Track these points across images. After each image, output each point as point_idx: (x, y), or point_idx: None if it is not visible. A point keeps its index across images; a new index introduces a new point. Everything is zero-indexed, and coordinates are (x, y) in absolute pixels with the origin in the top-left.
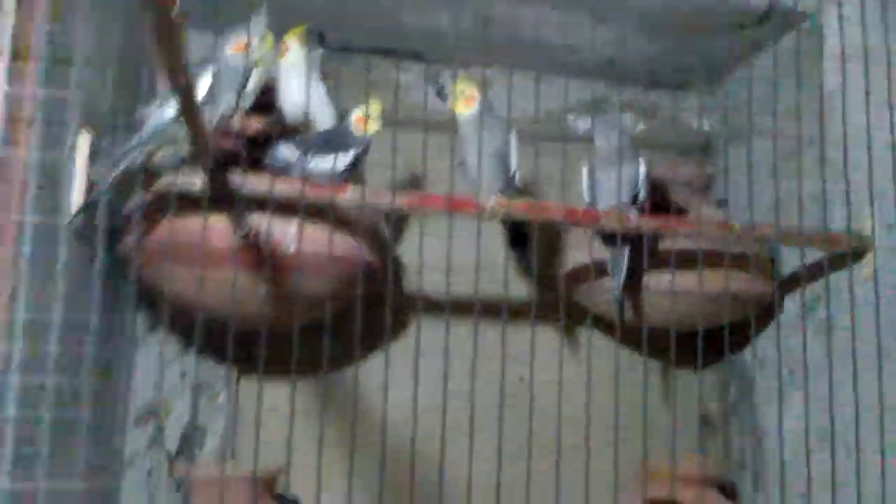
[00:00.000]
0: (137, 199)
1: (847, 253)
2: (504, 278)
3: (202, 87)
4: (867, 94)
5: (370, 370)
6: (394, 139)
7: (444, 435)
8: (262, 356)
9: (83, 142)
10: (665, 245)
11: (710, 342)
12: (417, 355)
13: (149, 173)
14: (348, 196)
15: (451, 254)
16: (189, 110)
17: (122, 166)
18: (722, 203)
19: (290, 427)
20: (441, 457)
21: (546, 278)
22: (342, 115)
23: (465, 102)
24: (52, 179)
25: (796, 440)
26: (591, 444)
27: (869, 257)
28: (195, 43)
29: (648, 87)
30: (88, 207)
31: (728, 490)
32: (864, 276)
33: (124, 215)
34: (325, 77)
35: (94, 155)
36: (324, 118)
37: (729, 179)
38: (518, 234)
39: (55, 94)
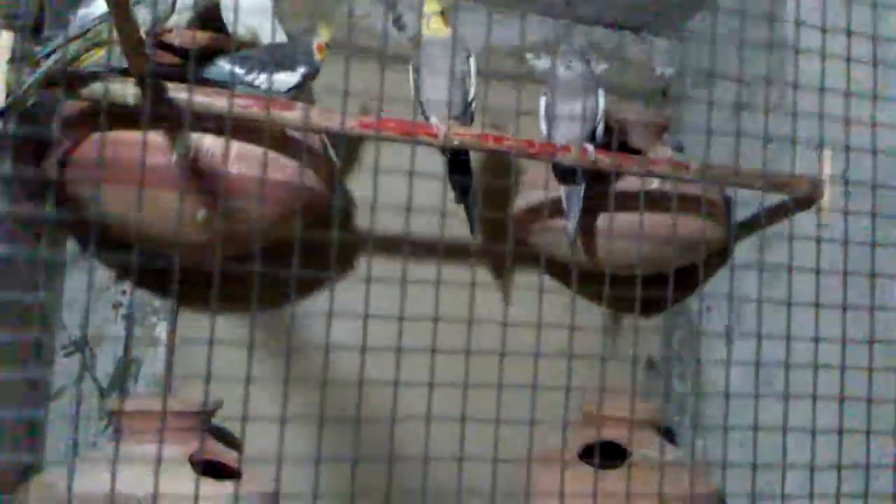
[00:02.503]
0: (64, 109)
1: (801, 197)
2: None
3: None
4: (823, 31)
5: (319, 305)
6: (346, 65)
7: (398, 376)
8: (203, 286)
9: (4, 40)
10: (621, 186)
11: (660, 286)
12: (368, 292)
13: (76, 79)
14: (295, 115)
15: (406, 188)
16: (116, 4)
17: (43, 67)
18: (679, 147)
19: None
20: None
21: (496, 219)
22: (291, 36)
23: (444, 20)
24: None
25: (737, 386)
26: (537, 384)
27: (822, 202)
28: None
29: (610, 27)
30: (3, 113)
31: (666, 434)
32: (819, 219)
33: (49, 126)
34: None
35: (15, 55)
36: (270, 34)
37: (686, 124)
38: (460, 166)
39: None
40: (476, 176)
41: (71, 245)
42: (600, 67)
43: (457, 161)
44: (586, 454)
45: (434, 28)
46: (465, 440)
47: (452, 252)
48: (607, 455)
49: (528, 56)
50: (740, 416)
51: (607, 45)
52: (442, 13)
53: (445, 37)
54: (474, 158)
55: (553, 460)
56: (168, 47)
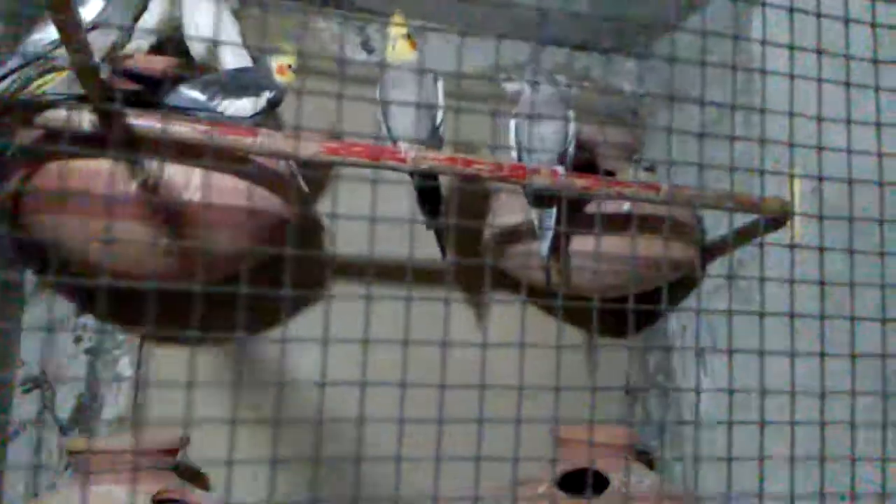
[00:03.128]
0: (18, 137)
1: (770, 218)
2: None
3: (91, 9)
4: (791, 49)
5: (284, 335)
6: (303, 87)
7: (363, 407)
8: (166, 319)
9: None
10: (591, 208)
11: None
12: (327, 320)
13: (30, 106)
14: (259, 141)
15: (375, 211)
16: (67, 28)
17: None
18: (649, 168)
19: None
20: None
21: (466, 242)
22: (256, 59)
23: (411, 45)
24: None
25: (713, 409)
26: (512, 410)
27: (792, 223)
28: None
29: (580, 49)
30: None
31: (644, 458)
32: (788, 240)
33: (3, 156)
34: (237, 16)
35: None
36: (234, 59)
37: (656, 144)
38: (430, 194)
39: None
40: (446, 201)
41: (29, 277)
42: (570, 89)
43: (426, 189)
44: (564, 482)
45: (399, 51)
46: (438, 472)
47: (423, 275)
48: (585, 483)
49: (500, 77)
50: (718, 440)
51: (576, 66)
52: (408, 36)
53: (411, 60)
54: (445, 184)
55: (531, 494)
56: (128, 73)
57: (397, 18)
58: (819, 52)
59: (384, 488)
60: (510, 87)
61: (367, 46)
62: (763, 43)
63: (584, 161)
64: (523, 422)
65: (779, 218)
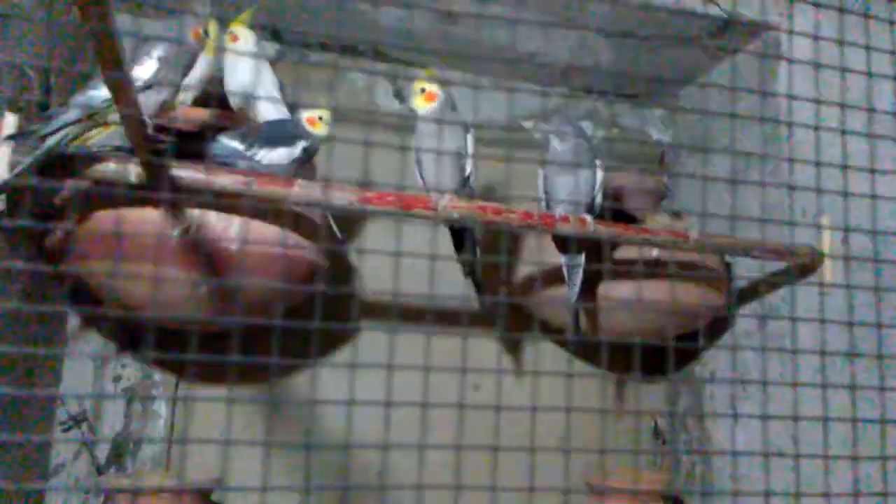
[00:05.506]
0: (68, 187)
1: (799, 265)
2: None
3: (147, 70)
4: (818, 103)
5: (319, 377)
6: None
7: (386, 453)
8: (200, 361)
9: (8, 123)
10: (620, 254)
11: (663, 354)
12: (354, 363)
13: (81, 159)
14: (295, 191)
15: (403, 258)
16: (120, 89)
17: (44, 146)
18: (677, 214)
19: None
20: (383, 468)
21: (498, 287)
22: (293, 109)
23: (427, 98)
24: None
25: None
26: (540, 456)
27: (823, 269)
28: (148, 27)
29: (607, 96)
30: (3, 189)
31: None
32: (822, 284)
33: (53, 204)
34: (274, 67)
35: (19, 136)
36: (271, 110)
37: (683, 191)
38: (462, 241)
39: None
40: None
41: (72, 319)
42: (597, 135)
43: (461, 237)
44: None
45: (417, 104)
46: None
47: (451, 318)
48: None
49: (527, 125)
50: (751, 484)
51: (604, 113)
52: (423, 91)
53: (427, 111)
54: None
55: None
56: (170, 128)
57: (424, 72)
58: (842, 105)
59: None
60: (539, 132)
61: (400, 96)
62: (789, 97)
63: (613, 208)
64: (561, 489)
65: (809, 264)
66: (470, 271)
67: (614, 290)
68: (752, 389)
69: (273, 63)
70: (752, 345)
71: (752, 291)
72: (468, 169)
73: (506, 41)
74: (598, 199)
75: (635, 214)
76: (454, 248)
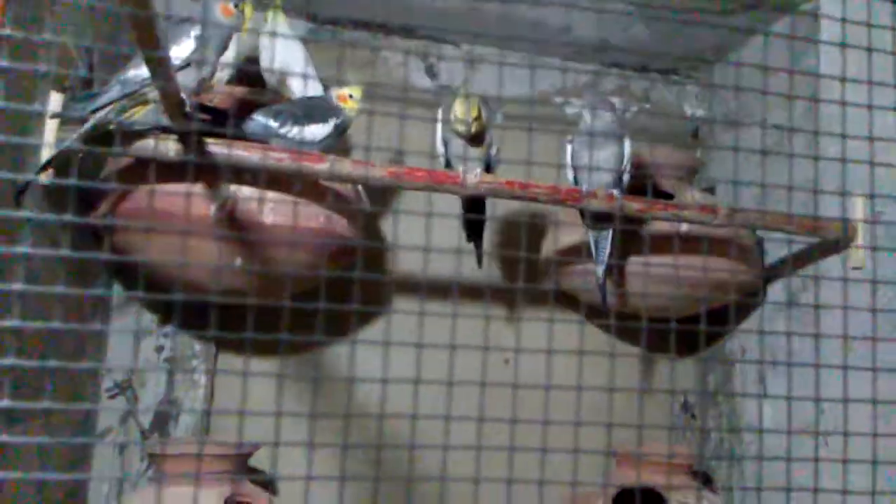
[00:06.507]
0: (112, 162)
1: (833, 240)
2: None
3: (185, 49)
4: (843, 81)
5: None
6: (369, 119)
7: (414, 423)
8: (239, 330)
9: (54, 101)
10: (649, 229)
11: (694, 327)
12: (388, 336)
13: (124, 135)
14: (325, 167)
15: (432, 233)
16: (159, 69)
17: (88, 123)
18: (708, 190)
19: (278, 404)
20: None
21: (524, 263)
22: (326, 87)
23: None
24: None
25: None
26: (573, 430)
27: (856, 246)
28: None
29: (640, 71)
30: (50, 163)
31: (703, 478)
32: (851, 264)
33: (98, 179)
34: (308, 45)
35: (64, 114)
36: (304, 88)
37: (716, 166)
38: (475, 209)
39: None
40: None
41: (117, 290)
42: (630, 110)
43: (474, 202)
44: (619, 498)
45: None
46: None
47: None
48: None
49: (558, 101)
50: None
51: (637, 88)
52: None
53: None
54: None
55: None
56: (207, 106)
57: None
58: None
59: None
60: (569, 108)
61: (431, 72)
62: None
63: (642, 183)
64: (580, 452)
65: (839, 241)
66: (473, 236)
67: (644, 265)
68: (779, 366)
69: (306, 41)
70: (779, 326)
71: (782, 268)
72: (495, 144)
73: (535, 17)
74: (627, 174)
75: (667, 190)
76: (465, 228)
